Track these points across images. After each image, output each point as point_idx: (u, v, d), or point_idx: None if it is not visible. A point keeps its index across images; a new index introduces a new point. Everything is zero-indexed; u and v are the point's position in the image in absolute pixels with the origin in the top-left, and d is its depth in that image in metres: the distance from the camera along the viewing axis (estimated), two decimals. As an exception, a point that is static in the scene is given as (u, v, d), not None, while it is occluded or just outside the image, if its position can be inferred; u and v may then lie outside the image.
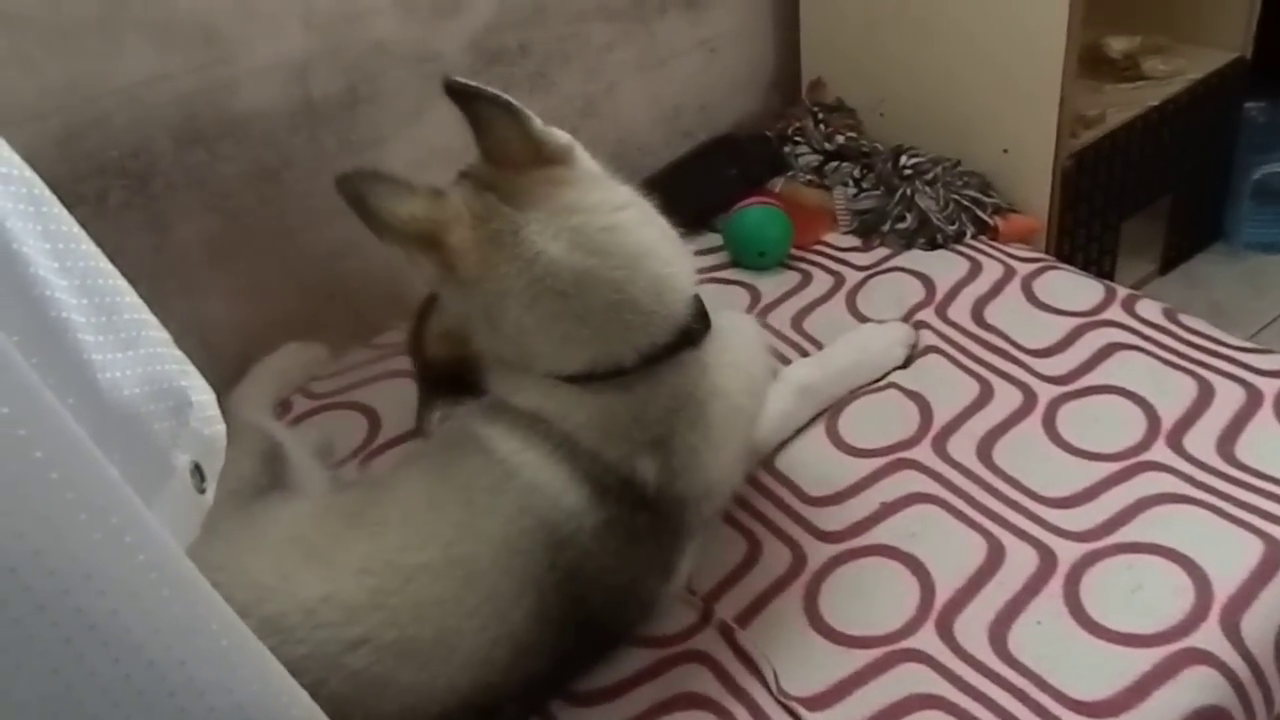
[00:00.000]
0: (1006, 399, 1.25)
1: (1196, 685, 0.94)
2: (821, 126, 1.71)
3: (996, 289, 1.43)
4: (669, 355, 0.98)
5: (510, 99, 0.99)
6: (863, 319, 1.42)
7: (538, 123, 1.00)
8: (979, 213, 1.54)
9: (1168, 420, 1.19)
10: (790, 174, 1.69)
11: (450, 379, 1.10)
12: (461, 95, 0.98)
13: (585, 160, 1.03)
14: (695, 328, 1.00)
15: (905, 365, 1.33)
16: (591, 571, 0.96)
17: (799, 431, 1.25)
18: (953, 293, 1.43)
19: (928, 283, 1.46)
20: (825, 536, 1.12)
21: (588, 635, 0.99)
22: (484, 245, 0.96)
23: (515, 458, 0.97)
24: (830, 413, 1.27)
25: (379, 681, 0.89)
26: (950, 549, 1.09)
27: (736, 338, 1.06)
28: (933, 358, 1.33)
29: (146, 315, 0.55)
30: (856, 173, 1.63)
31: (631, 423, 0.97)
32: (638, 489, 0.97)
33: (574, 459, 0.96)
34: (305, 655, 0.87)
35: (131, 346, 0.53)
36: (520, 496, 0.95)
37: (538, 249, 0.95)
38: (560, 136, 1.02)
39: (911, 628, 1.02)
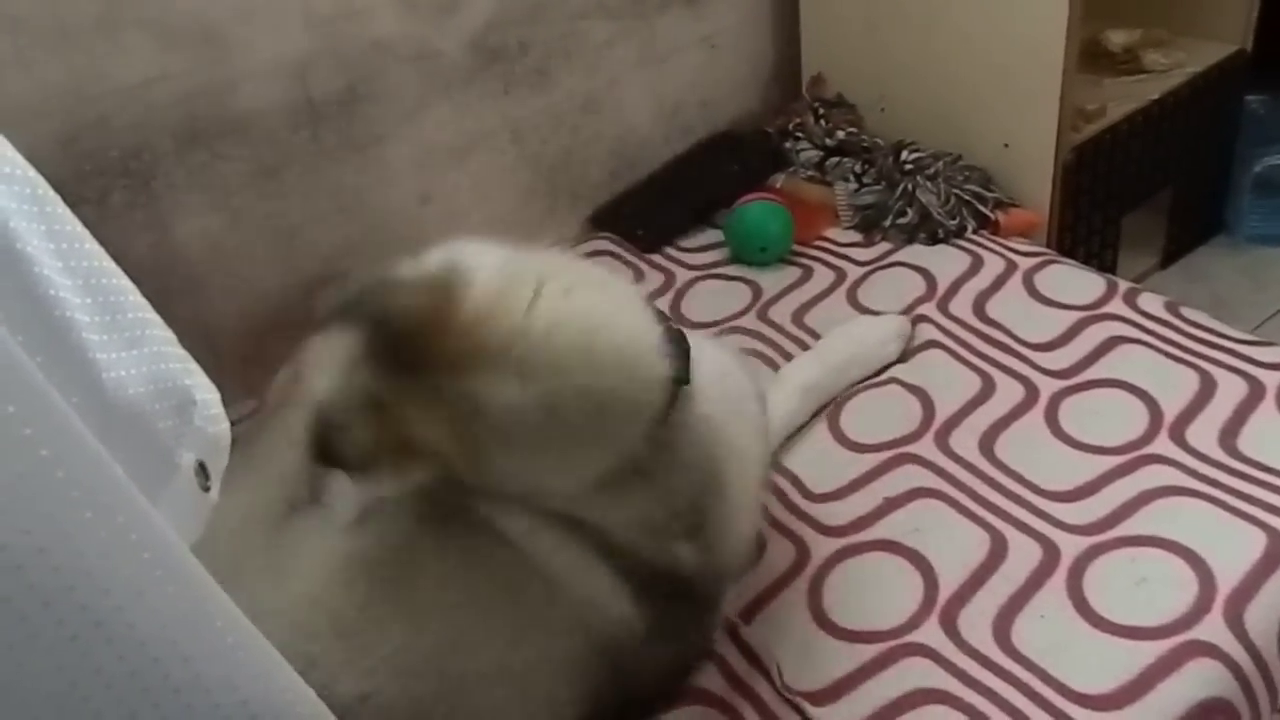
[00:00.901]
0: (1009, 393, 1.26)
1: (1200, 677, 0.94)
2: (822, 122, 1.71)
3: (998, 283, 1.43)
4: (670, 411, 0.87)
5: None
6: (865, 313, 1.42)
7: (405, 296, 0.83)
8: (980, 207, 1.54)
9: (1170, 413, 1.19)
10: (791, 170, 1.69)
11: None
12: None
13: (480, 275, 0.84)
14: (677, 367, 0.88)
15: (902, 359, 1.33)
16: (642, 665, 0.93)
17: (801, 428, 1.25)
18: (954, 287, 1.43)
19: (929, 277, 1.46)
20: (829, 532, 1.12)
21: (638, 711, 0.96)
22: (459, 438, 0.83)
23: (555, 564, 0.89)
24: (832, 408, 1.27)
25: None
26: (953, 543, 1.09)
27: (725, 380, 0.98)
28: (935, 352, 1.33)
29: (150, 314, 0.56)
30: (857, 168, 1.63)
31: (660, 508, 0.89)
32: (680, 578, 0.91)
33: (611, 559, 0.89)
34: None
35: (135, 345, 0.53)
36: (573, 610, 0.89)
37: (497, 407, 0.81)
38: (434, 274, 0.83)
39: (915, 622, 1.02)
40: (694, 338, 0.93)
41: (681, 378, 0.88)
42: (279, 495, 0.97)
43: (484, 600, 0.88)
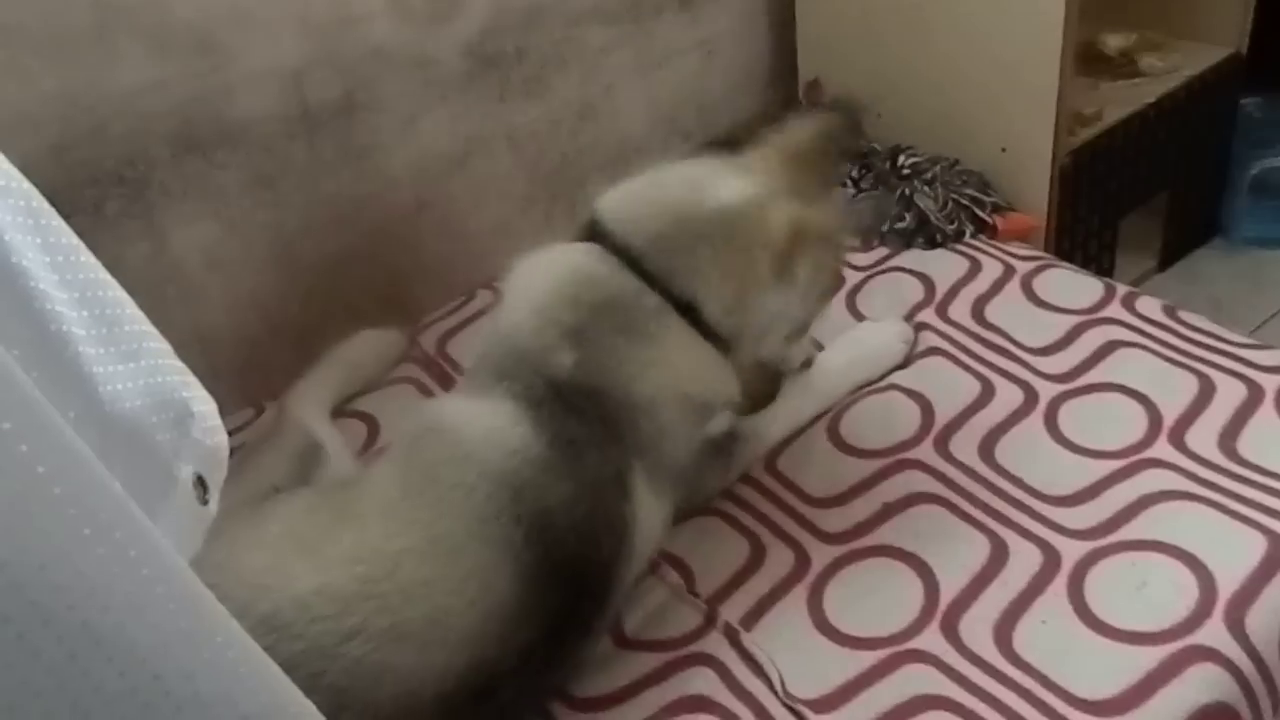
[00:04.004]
0: (1008, 397, 1.25)
1: (1202, 682, 0.94)
2: (818, 127, 1.70)
3: (996, 287, 1.43)
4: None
5: None
6: (863, 319, 1.42)
7: None
8: (978, 211, 1.54)
9: (1169, 417, 1.19)
10: (788, 175, 1.69)
11: None
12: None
13: None
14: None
15: (905, 365, 1.33)
16: (553, 507, 0.97)
17: (800, 433, 1.25)
18: (953, 292, 1.43)
19: (927, 282, 1.45)
20: (829, 538, 1.12)
21: (577, 588, 0.99)
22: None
23: (463, 416, 1.02)
24: (832, 414, 1.26)
25: (376, 669, 0.90)
26: (954, 549, 1.08)
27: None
28: (934, 357, 1.33)
29: (147, 327, 0.55)
30: (855, 172, 1.63)
31: (552, 315, 1.03)
32: (559, 385, 1.00)
33: (506, 381, 1.01)
34: (303, 650, 0.88)
35: (133, 358, 0.52)
36: (476, 457, 0.98)
37: None
38: None
39: (916, 628, 1.02)
40: None
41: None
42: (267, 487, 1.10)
43: (415, 485, 0.99)
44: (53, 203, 0.53)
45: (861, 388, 1.29)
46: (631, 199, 1.10)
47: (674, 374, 1.05)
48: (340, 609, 0.90)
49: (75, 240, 0.53)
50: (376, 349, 1.41)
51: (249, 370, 1.39)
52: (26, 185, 0.52)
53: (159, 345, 0.56)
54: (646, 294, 1.04)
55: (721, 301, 1.05)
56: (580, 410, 1.00)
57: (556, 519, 0.97)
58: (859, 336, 1.35)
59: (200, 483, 0.56)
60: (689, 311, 1.05)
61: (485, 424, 1.00)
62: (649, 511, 1.04)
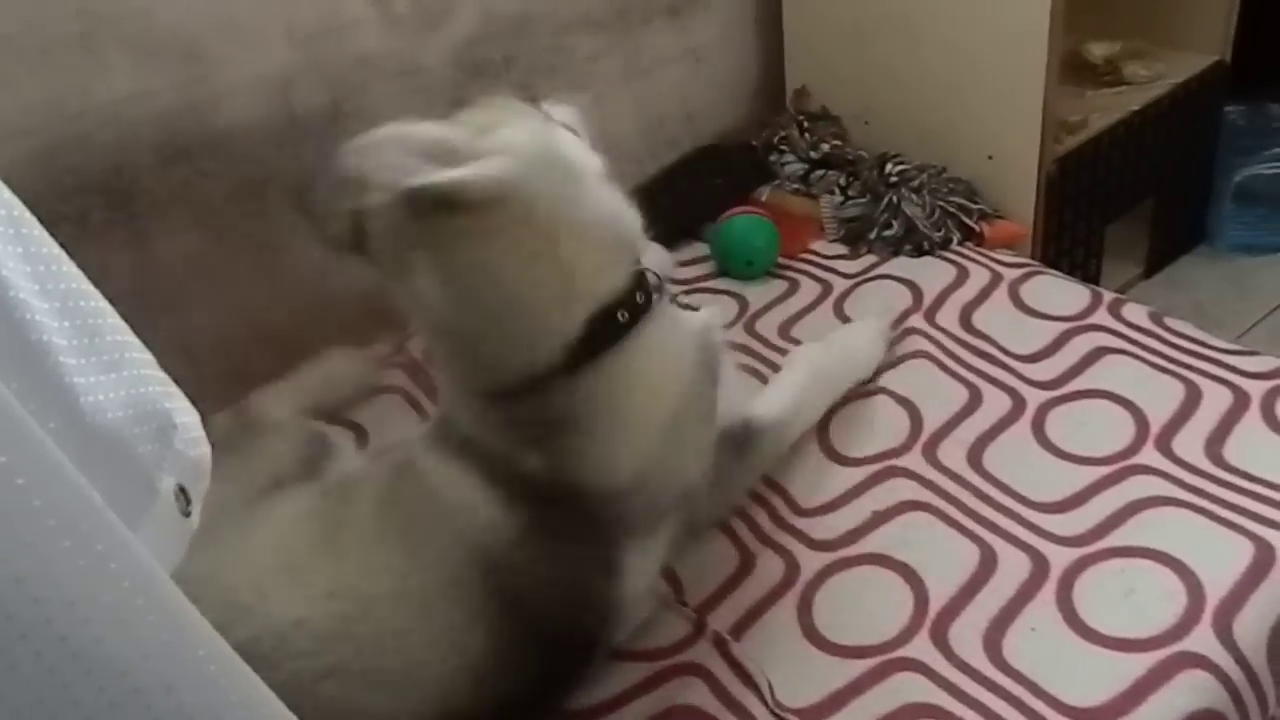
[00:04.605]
0: (995, 404, 1.26)
1: (1191, 689, 0.94)
2: (806, 135, 1.71)
3: (984, 295, 1.43)
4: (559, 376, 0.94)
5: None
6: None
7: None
8: (965, 219, 1.54)
9: (1156, 424, 1.19)
10: (776, 183, 1.69)
11: None
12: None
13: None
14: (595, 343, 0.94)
15: (891, 368, 1.32)
16: (529, 586, 0.95)
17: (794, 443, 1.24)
18: (940, 299, 1.43)
19: (915, 289, 1.46)
20: (818, 546, 1.12)
21: (556, 652, 0.97)
22: None
23: (438, 478, 0.98)
24: (820, 421, 1.26)
25: (350, 709, 0.90)
26: (943, 556, 1.08)
27: (666, 346, 1.01)
28: (922, 364, 1.33)
29: (129, 337, 0.55)
30: (842, 181, 1.63)
31: (511, 426, 0.97)
32: (534, 484, 0.95)
33: (479, 462, 0.97)
34: (281, 681, 0.85)
35: (114, 369, 0.52)
36: (449, 522, 0.96)
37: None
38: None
39: (906, 636, 1.01)
40: None
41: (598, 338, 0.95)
42: (263, 480, 1.08)
43: (392, 531, 0.98)
44: (37, 211, 0.53)
45: (851, 387, 1.29)
46: None
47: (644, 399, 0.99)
48: (318, 647, 0.90)
49: (56, 250, 0.52)
50: (347, 368, 1.39)
51: (234, 380, 1.38)
52: (7, 194, 0.51)
53: (141, 356, 0.56)
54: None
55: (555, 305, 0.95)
56: (557, 502, 0.96)
57: (535, 598, 0.96)
58: (835, 338, 1.34)
59: (182, 494, 0.56)
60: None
61: (456, 494, 0.97)
62: (641, 573, 1.02)
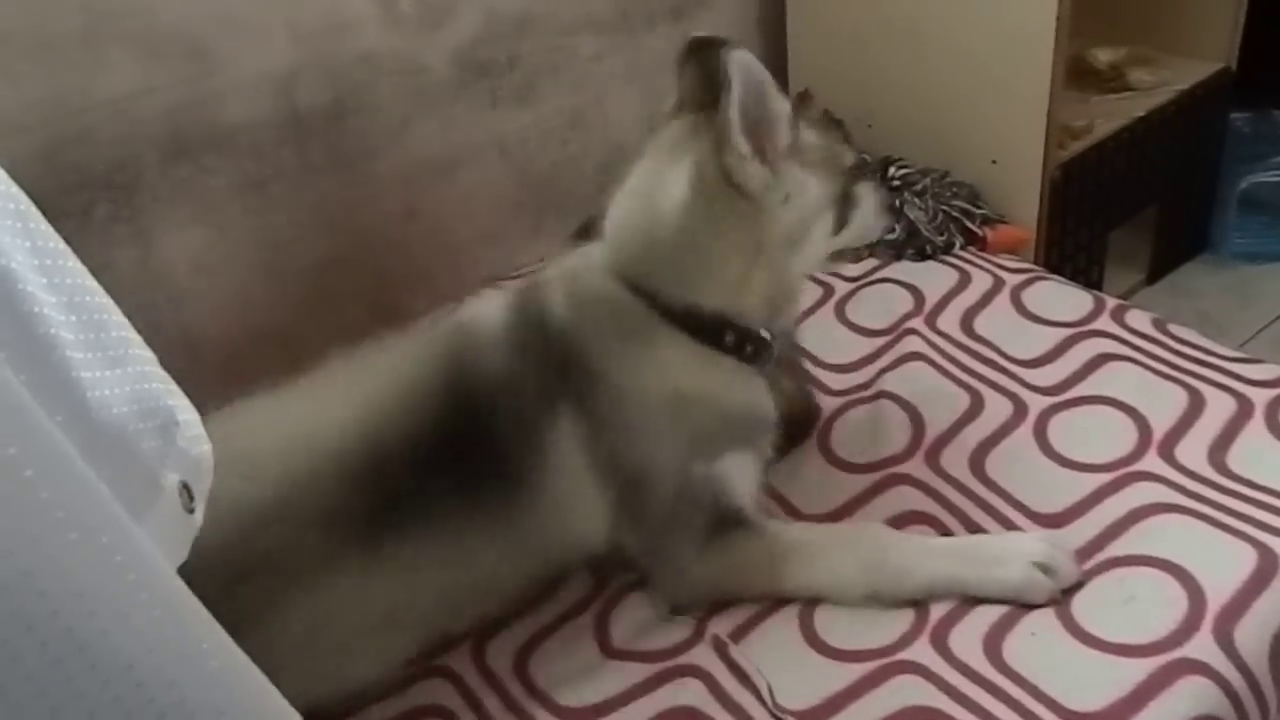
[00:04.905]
0: (997, 410, 1.25)
1: (1191, 695, 0.93)
2: (809, 138, 1.70)
3: (986, 299, 1.43)
4: None
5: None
6: (852, 329, 1.42)
7: None
8: (968, 223, 1.54)
9: (1159, 430, 1.19)
10: (779, 185, 1.69)
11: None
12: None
13: None
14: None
15: (891, 370, 1.33)
16: (484, 376, 1.09)
17: (793, 449, 1.23)
18: (942, 303, 1.43)
19: (917, 294, 1.46)
20: (819, 550, 1.12)
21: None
22: None
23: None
24: (823, 427, 1.26)
25: None
26: (944, 561, 1.08)
27: None
28: (923, 369, 1.33)
29: (132, 334, 0.55)
30: (846, 184, 1.63)
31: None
32: (549, 325, 1.11)
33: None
34: None
35: (119, 364, 0.52)
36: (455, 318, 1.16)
37: None
38: None
39: (907, 640, 1.01)
40: None
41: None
42: None
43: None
44: (41, 207, 0.53)
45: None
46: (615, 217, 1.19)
47: (666, 371, 1.08)
48: None
49: (62, 245, 0.52)
50: None
51: (236, 376, 1.38)
52: (14, 189, 0.51)
53: (143, 352, 0.56)
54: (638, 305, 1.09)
55: (724, 288, 1.08)
56: (555, 348, 1.08)
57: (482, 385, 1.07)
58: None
59: (186, 490, 0.56)
60: (689, 318, 1.08)
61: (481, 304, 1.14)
62: (576, 481, 1.07)
